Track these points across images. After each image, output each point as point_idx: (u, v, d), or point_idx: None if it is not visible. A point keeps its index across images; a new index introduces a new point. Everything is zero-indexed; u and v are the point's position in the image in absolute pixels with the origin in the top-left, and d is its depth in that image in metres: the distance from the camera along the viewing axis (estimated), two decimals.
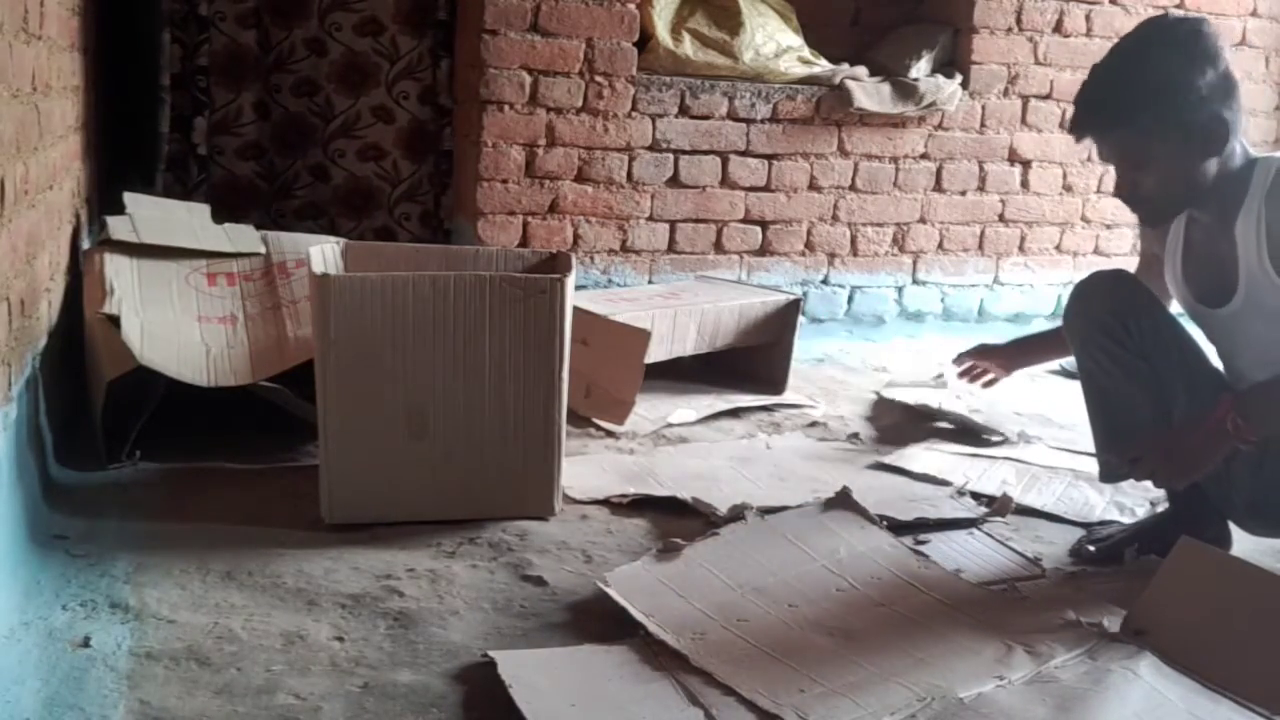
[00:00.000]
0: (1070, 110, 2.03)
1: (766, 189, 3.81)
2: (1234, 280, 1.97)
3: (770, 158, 3.79)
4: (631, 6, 3.54)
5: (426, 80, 3.71)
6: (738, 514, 2.23)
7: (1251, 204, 1.93)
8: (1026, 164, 4.10)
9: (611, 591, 1.89)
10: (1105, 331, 2.09)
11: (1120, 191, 2.00)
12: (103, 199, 3.20)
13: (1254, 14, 4.30)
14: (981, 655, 1.75)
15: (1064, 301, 4.26)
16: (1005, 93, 4.02)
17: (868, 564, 2.05)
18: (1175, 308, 2.18)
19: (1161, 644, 1.77)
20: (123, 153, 3.48)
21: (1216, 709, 1.64)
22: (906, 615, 1.89)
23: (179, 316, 2.58)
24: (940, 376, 3.42)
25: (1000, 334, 4.06)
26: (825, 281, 3.96)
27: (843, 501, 2.26)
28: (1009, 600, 1.98)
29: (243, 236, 2.88)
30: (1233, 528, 2.16)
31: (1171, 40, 1.92)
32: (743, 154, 3.76)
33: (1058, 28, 4.03)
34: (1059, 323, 2.32)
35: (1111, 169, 2.02)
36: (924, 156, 3.97)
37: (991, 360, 2.72)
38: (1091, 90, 1.96)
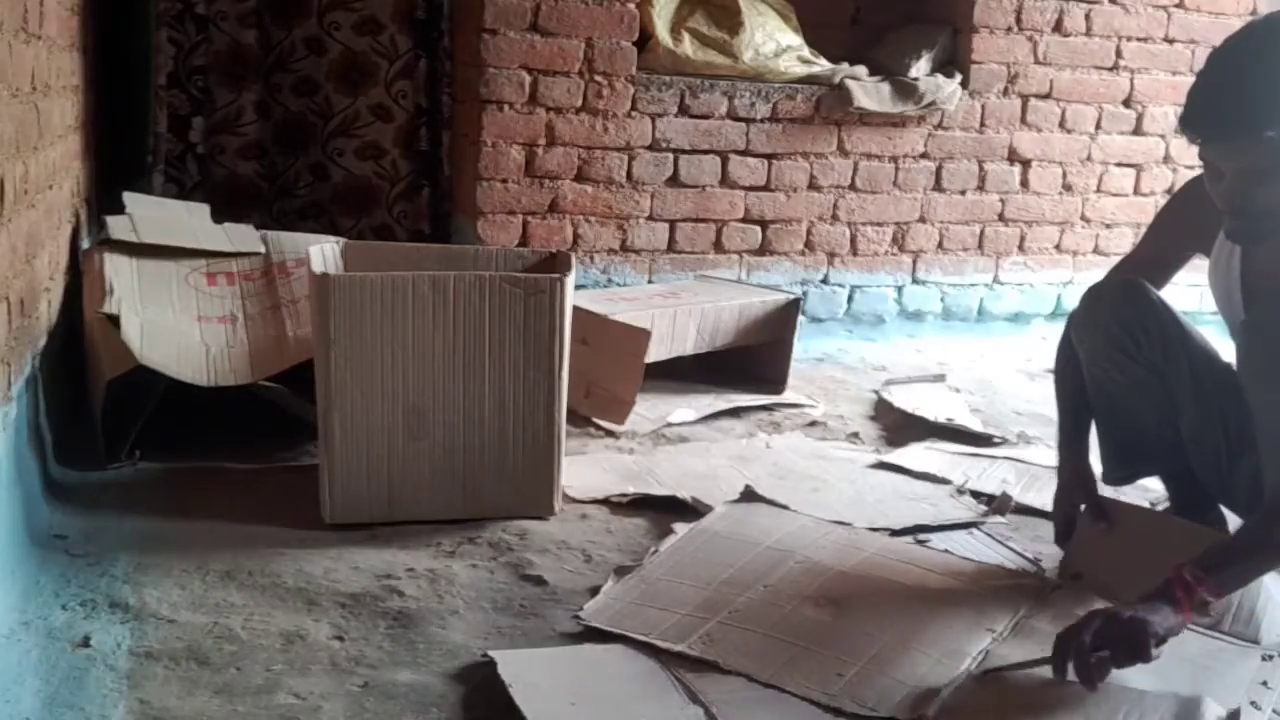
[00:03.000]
0: (1187, 105, 1.82)
1: (766, 188, 3.81)
2: None
3: (770, 157, 3.79)
4: (631, 6, 3.54)
5: (422, 80, 3.70)
6: None
7: None
8: (1026, 163, 4.10)
9: (600, 624, 1.83)
10: (1113, 341, 2.06)
11: (1231, 203, 1.84)
12: (102, 199, 3.20)
13: (1254, 13, 4.29)
14: (961, 609, 1.89)
15: (1064, 302, 4.27)
16: (1005, 92, 4.02)
17: (805, 535, 2.16)
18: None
19: (1096, 584, 1.98)
20: (115, 152, 3.48)
21: None
22: (867, 576, 2.01)
23: (179, 316, 2.58)
24: (941, 377, 3.43)
25: (999, 333, 4.08)
26: (825, 281, 3.96)
27: (750, 496, 2.34)
28: (944, 555, 2.14)
29: (242, 236, 2.88)
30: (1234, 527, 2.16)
31: None
32: (742, 153, 3.76)
33: (1057, 27, 4.03)
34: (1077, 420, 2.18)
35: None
36: (924, 156, 3.97)
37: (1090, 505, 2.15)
38: (1221, 89, 1.78)
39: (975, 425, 2.99)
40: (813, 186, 3.86)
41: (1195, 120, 1.80)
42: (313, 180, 3.74)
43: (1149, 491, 2.42)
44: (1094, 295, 2.12)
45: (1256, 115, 1.74)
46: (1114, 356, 2.07)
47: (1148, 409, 2.08)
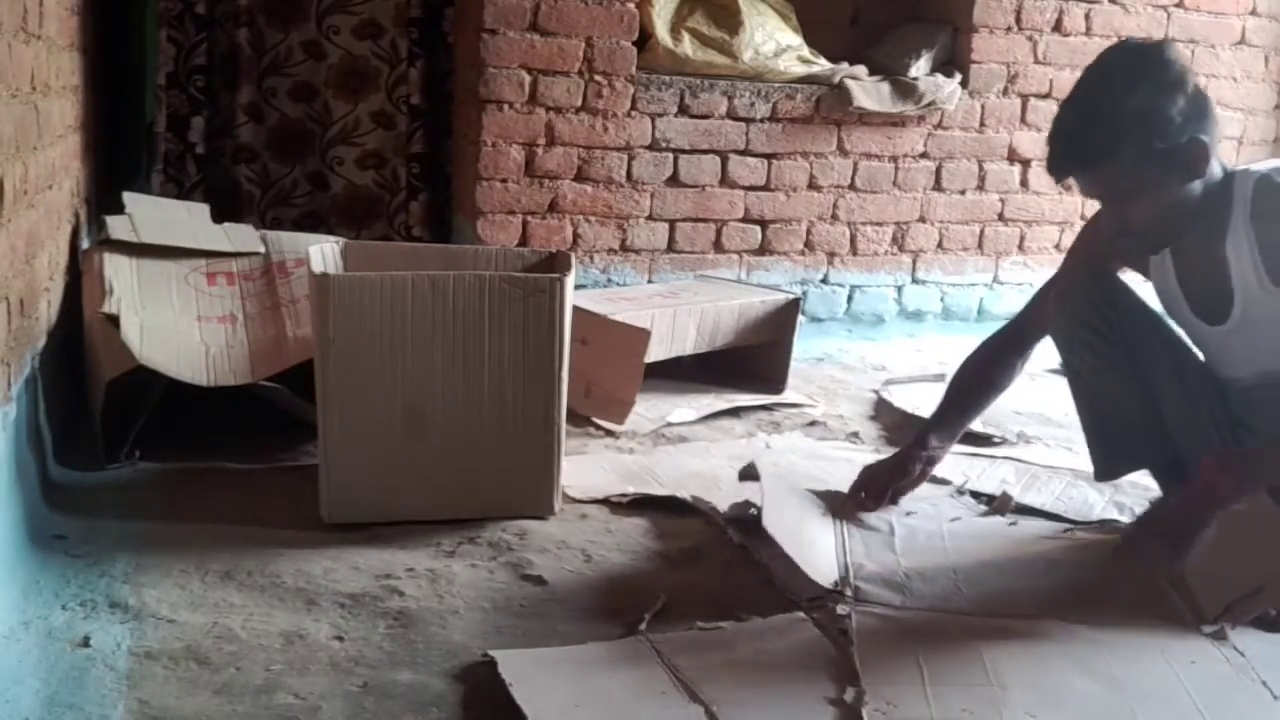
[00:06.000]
0: (1047, 151, 1.96)
1: (766, 188, 3.81)
2: (1228, 298, 1.98)
3: (770, 157, 3.79)
4: (631, 5, 3.54)
5: (418, 80, 3.67)
6: (740, 512, 2.23)
7: (1237, 221, 1.94)
8: (1026, 163, 4.10)
9: None
10: (1089, 328, 2.11)
11: (1112, 227, 1.98)
12: (102, 199, 3.20)
13: (1253, 13, 4.29)
14: None
15: None
16: (1005, 92, 4.02)
17: None
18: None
19: None
20: (115, 152, 3.47)
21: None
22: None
23: (178, 316, 2.58)
24: (941, 377, 3.42)
25: None
26: (825, 281, 3.96)
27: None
28: None
29: (242, 236, 2.88)
30: None
31: (1139, 69, 1.89)
32: (742, 153, 3.76)
33: (1057, 27, 4.03)
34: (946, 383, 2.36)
35: (1092, 204, 2.04)
36: (923, 156, 3.97)
37: (876, 486, 2.31)
38: (1068, 128, 1.93)
39: (975, 425, 2.98)
40: (812, 186, 3.87)
41: (1051, 163, 1.95)
42: (311, 189, 3.71)
43: (1148, 491, 2.41)
44: (1065, 286, 2.20)
45: (1100, 146, 1.88)
46: (1090, 342, 2.11)
47: (1127, 395, 2.10)
